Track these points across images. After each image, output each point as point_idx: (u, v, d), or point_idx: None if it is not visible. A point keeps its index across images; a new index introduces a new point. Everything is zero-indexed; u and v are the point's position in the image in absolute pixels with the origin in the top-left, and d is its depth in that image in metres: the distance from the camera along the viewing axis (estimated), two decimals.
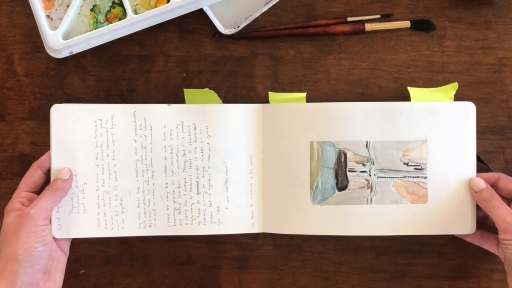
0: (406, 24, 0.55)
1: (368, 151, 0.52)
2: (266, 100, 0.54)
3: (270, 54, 0.56)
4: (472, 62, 0.55)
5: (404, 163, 0.52)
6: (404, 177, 0.52)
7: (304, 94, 0.53)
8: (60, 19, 0.52)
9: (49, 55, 0.52)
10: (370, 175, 0.52)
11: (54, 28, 0.52)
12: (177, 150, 0.52)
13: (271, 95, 0.53)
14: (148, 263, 0.56)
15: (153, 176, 0.52)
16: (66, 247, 0.52)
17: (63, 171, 0.51)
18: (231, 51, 0.56)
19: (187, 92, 0.53)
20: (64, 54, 0.52)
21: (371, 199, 0.52)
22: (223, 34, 0.54)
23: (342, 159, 0.52)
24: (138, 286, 0.56)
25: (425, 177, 0.52)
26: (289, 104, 0.52)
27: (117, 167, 0.52)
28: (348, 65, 0.56)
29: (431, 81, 0.55)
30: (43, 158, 0.51)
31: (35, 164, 0.51)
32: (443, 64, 0.55)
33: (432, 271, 0.55)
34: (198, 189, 0.52)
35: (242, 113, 0.53)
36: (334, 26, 0.55)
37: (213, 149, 0.53)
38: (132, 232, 0.52)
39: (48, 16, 0.52)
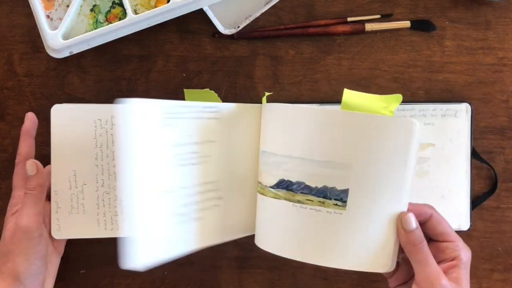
0: (406, 24, 0.55)
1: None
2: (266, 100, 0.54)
3: (270, 54, 0.56)
4: (472, 62, 0.55)
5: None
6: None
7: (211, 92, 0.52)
8: (60, 19, 0.52)
9: (49, 55, 0.52)
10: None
11: (54, 28, 0.52)
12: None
13: (187, 92, 0.52)
14: None
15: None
16: (62, 248, 0.52)
17: (28, 167, 0.47)
18: (231, 51, 0.56)
19: (187, 92, 0.53)
20: (64, 54, 0.52)
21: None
22: (223, 34, 0.54)
23: None
24: (138, 286, 0.56)
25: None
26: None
27: (116, 168, 0.52)
28: (348, 65, 0.56)
29: (431, 81, 0.55)
30: (24, 150, 0.49)
31: (20, 160, 0.49)
32: (443, 64, 0.55)
33: None
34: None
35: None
36: (334, 26, 0.55)
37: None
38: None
39: (48, 16, 0.52)
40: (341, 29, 0.55)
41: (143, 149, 0.44)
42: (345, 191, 0.44)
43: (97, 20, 0.53)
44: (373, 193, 0.43)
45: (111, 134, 0.52)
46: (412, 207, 0.44)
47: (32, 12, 0.52)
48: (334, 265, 0.45)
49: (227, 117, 0.50)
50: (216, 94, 0.53)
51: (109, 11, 0.53)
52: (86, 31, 0.52)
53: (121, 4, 0.52)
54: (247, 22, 0.54)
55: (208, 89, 0.53)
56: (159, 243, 0.45)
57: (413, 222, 0.43)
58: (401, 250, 0.45)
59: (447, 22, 0.55)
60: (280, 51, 0.56)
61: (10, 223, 0.48)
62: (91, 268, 0.56)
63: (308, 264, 0.56)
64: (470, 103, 0.54)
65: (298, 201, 0.45)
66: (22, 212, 0.47)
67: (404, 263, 0.46)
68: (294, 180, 0.45)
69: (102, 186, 0.52)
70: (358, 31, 0.55)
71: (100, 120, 0.52)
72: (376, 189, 0.43)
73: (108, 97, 0.55)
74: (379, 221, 0.44)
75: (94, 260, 0.56)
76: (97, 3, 0.53)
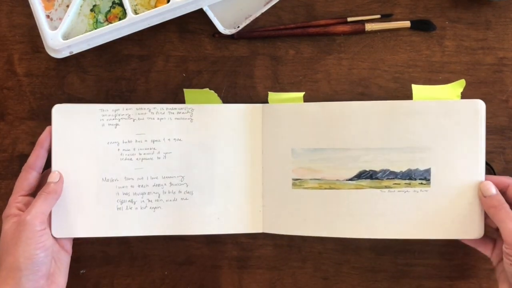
0: (406, 24, 0.55)
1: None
2: (266, 100, 0.54)
3: (270, 54, 0.56)
4: (472, 62, 0.55)
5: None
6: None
7: (301, 94, 0.53)
8: (60, 19, 0.52)
9: (49, 55, 0.52)
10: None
11: (54, 28, 0.52)
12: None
13: (271, 95, 0.53)
14: (148, 263, 0.56)
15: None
16: (69, 246, 0.52)
17: (53, 175, 0.50)
18: (231, 51, 0.56)
19: (187, 92, 0.53)
20: (64, 54, 0.52)
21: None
22: (223, 34, 0.54)
23: None
24: (138, 286, 0.56)
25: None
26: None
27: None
28: (348, 65, 0.56)
29: (431, 81, 0.55)
30: (32, 159, 0.51)
31: (26, 166, 0.50)
32: (443, 64, 0.55)
33: (432, 271, 0.55)
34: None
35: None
36: (334, 26, 0.55)
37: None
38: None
39: (48, 16, 0.52)
40: (341, 29, 0.55)
41: (80, 145, 0.51)
42: (428, 170, 0.50)
43: (97, 20, 0.53)
44: (453, 168, 0.49)
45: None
46: (491, 178, 0.49)
47: (32, 12, 0.52)
48: (428, 236, 0.50)
49: (202, 119, 0.53)
50: (216, 94, 0.53)
51: (109, 11, 0.53)
52: (86, 31, 0.52)
53: (121, 4, 0.52)
54: (247, 22, 0.54)
55: (208, 89, 0.53)
56: (92, 221, 0.51)
57: (491, 188, 0.48)
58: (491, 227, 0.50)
59: (447, 22, 0.55)
60: (280, 51, 0.56)
61: (7, 223, 0.48)
62: (91, 268, 0.56)
63: (308, 264, 0.56)
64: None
65: (386, 187, 0.50)
66: (29, 208, 0.48)
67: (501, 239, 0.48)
68: (377, 169, 0.50)
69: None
70: (358, 31, 0.55)
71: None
72: (454, 164, 0.49)
73: (108, 97, 0.55)
74: (462, 192, 0.49)
75: (94, 260, 0.56)
76: (97, 3, 0.53)
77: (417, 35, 0.56)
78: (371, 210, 0.51)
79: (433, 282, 0.55)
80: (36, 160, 0.50)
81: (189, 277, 0.56)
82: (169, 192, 0.52)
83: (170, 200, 0.52)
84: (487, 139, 0.55)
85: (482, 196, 0.48)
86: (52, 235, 0.50)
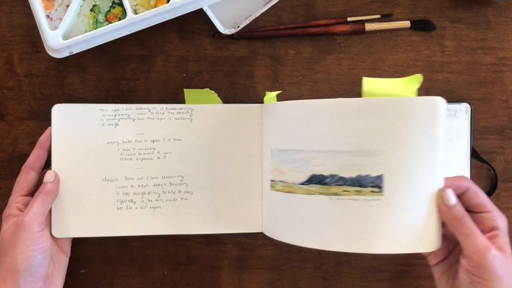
0: (406, 24, 0.55)
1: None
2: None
3: (270, 54, 0.56)
4: (472, 62, 0.55)
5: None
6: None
7: (275, 94, 0.50)
8: (60, 19, 0.52)
9: (49, 55, 0.52)
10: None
11: (54, 28, 0.52)
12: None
13: (268, 94, 0.52)
14: (148, 263, 0.56)
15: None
16: (68, 248, 0.52)
17: (48, 174, 0.50)
18: (231, 51, 0.56)
19: (187, 92, 0.53)
20: (64, 54, 0.52)
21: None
22: (223, 34, 0.54)
23: None
24: (138, 286, 0.56)
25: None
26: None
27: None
28: (348, 65, 0.56)
29: (431, 81, 0.55)
30: (32, 159, 0.51)
31: (25, 166, 0.50)
32: (443, 64, 0.55)
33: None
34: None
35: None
36: (334, 26, 0.55)
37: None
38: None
39: (48, 16, 0.52)
40: (341, 29, 0.55)
41: (80, 145, 0.51)
42: (380, 177, 0.44)
43: (97, 20, 0.53)
44: (408, 175, 0.43)
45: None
46: (449, 182, 0.44)
47: (32, 12, 0.52)
48: (380, 251, 0.44)
49: (202, 119, 0.52)
50: (216, 94, 0.53)
51: (109, 11, 0.53)
52: (86, 31, 0.52)
53: (121, 4, 0.52)
54: (247, 22, 0.54)
55: (208, 89, 0.53)
56: (92, 221, 0.51)
57: (453, 197, 0.43)
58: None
59: (447, 22, 0.55)
60: (280, 51, 0.56)
61: (6, 224, 0.48)
62: (91, 268, 0.56)
63: (308, 264, 0.56)
64: (469, 103, 0.54)
65: (334, 194, 0.45)
66: (27, 209, 0.47)
67: (442, 239, 0.46)
68: (327, 174, 0.45)
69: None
70: (358, 31, 0.55)
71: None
72: (410, 170, 0.43)
73: (108, 97, 0.55)
74: (419, 201, 0.44)
75: (94, 260, 0.56)
76: (97, 3, 0.53)
77: (417, 35, 0.56)
78: (321, 217, 0.45)
79: (433, 282, 0.55)
80: (35, 160, 0.50)
81: (189, 277, 0.56)
82: (169, 192, 0.52)
83: (170, 200, 0.52)
84: (487, 139, 0.55)
85: (442, 206, 0.43)
86: (51, 235, 0.50)
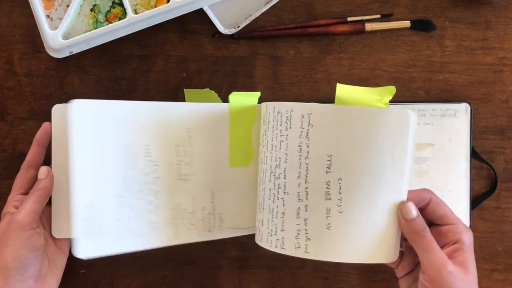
0: (406, 24, 0.55)
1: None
2: (266, 100, 0.54)
3: (270, 54, 0.56)
4: (472, 62, 0.55)
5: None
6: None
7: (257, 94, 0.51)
8: (60, 19, 0.52)
9: (49, 55, 0.52)
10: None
11: (54, 28, 0.52)
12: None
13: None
14: (148, 263, 0.56)
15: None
16: (66, 248, 0.52)
17: (41, 171, 0.49)
18: (231, 51, 0.56)
19: (187, 92, 0.53)
20: (64, 54, 0.52)
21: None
22: (223, 34, 0.54)
23: None
24: (138, 286, 0.56)
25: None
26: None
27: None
28: (348, 65, 0.56)
29: (431, 81, 0.55)
30: (30, 156, 0.50)
31: (24, 165, 0.50)
32: (443, 64, 0.55)
33: None
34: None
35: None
36: (334, 26, 0.55)
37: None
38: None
39: (48, 16, 0.52)
40: (341, 29, 0.55)
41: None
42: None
43: (97, 20, 0.53)
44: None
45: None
46: (411, 195, 0.44)
47: (32, 12, 0.52)
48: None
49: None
50: (216, 94, 0.53)
51: (109, 11, 0.53)
52: (86, 31, 0.52)
53: (121, 4, 0.52)
54: (247, 22, 0.54)
55: (208, 89, 0.53)
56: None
57: (413, 211, 0.43)
58: (404, 239, 0.45)
59: (447, 22, 0.55)
60: (280, 51, 0.56)
61: (3, 221, 0.48)
62: (91, 268, 0.56)
63: (308, 264, 0.56)
64: (469, 103, 0.54)
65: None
66: (21, 207, 0.47)
67: (408, 251, 0.46)
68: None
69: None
70: (358, 31, 0.55)
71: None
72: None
73: (108, 97, 0.55)
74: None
75: (94, 260, 0.56)
76: (97, 3, 0.53)
77: (417, 35, 0.56)
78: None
79: None
80: (34, 158, 0.50)
81: (189, 277, 0.56)
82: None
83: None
84: (487, 139, 0.55)
85: (402, 219, 0.43)
86: (51, 235, 0.50)
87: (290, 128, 0.45)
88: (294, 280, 0.56)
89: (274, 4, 0.54)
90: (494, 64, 0.55)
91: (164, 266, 0.56)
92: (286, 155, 0.46)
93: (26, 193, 0.50)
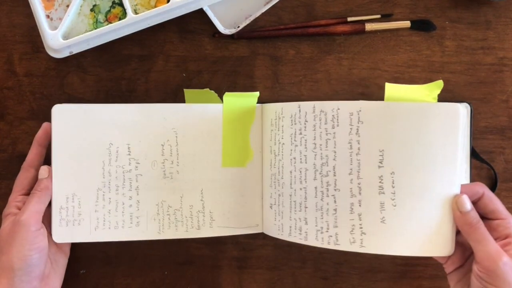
0: (406, 24, 0.55)
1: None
2: (266, 100, 0.54)
3: (270, 54, 0.56)
4: (472, 62, 0.55)
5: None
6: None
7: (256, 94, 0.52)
8: (60, 19, 0.52)
9: (49, 55, 0.52)
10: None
11: (54, 28, 0.52)
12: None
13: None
14: (148, 263, 0.56)
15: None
16: (67, 248, 0.52)
17: (41, 171, 0.50)
18: (231, 51, 0.56)
19: (187, 92, 0.53)
20: (64, 54, 0.52)
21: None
22: (223, 34, 0.54)
23: None
24: (138, 286, 0.56)
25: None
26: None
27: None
28: (348, 65, 0.56)
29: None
30: (30, 157, 0.51)
31: (25, 165, 0.50)
32: (443, 64, 0.55)
33: (432, 271, 0.55)
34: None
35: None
36: (334, 26, 0.55)
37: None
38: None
39: (48, 16, 0.52)
40: (341, 29, 0.55)
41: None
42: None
43: (97, 20, 0.53)
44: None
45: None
46: (464, 188, 0.45)
47: (32, 12, 0.52)
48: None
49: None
50: (216, 94, 0.53)
51: (109, 11, 0.53)
52: (86, 31, 0.52)
53: (121, 4, 0.52)
54: (247, 22, 0.54)
55: (208, 89, 0.53)
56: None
57: (467, 203, 0.44)
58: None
59: (447, 22, 0.55)
60: (280, 51, 0.56)
61: (6, 222, 0.48)
62: (91, 268, 0.56)
63: (308, 264, 0.56)
64: (469, 103, 0.54)
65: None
66: (24, 208, 0.47)
67: (458, 246, 0.46)
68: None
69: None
70: (358, 31, 0.55)
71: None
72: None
73: (108, 97, 0.55)
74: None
75: (94, 260, 0.56)
76: (97, 3, 0.53)
77: (417, 35, 0.56)
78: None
79: (433, 282, 0.55)
80: (34, 158, 0.50)
81: (189, 277, 0.56)
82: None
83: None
84: (487, 139, 0.55)
85: (457, 211, 0.44)
86: (52, 237, 0.50)
87: (338, 126, 0.46)
88: (294, 280, 0.56)
89: (274, 4, 0.54)
90: (494, 64, 0.55)
91: (164, 266, 0.56)
92: (335, 152, 0.47)
93: (27, 193, 0.50)
